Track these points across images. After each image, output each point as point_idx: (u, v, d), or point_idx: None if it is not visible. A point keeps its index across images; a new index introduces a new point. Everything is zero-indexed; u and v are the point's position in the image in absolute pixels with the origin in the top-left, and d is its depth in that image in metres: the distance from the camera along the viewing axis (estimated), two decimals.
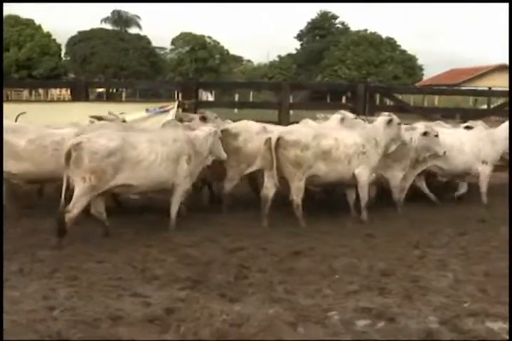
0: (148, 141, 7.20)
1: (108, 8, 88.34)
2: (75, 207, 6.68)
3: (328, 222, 8.01)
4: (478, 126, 9.87)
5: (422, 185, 9.39)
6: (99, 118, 8.92)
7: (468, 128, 9.85)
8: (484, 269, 6.10)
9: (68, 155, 6.78)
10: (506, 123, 9.63)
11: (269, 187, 7.77)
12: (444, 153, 8.77)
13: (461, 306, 5.07)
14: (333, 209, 8.61)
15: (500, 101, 15.20)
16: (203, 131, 7.82)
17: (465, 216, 8.59)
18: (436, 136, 8.75)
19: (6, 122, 7.89)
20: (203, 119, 8.90)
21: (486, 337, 4.46)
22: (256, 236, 7.24)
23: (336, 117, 9.32)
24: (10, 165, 7.64)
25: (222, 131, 8.08)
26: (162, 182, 7.32)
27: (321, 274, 5.86)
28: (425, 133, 8.69)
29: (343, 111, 9.88)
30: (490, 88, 42.75)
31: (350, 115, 9.56)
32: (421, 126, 8.90)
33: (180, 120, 9.12)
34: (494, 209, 8.98)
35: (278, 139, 7.63)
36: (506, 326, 4.66)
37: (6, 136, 7.59)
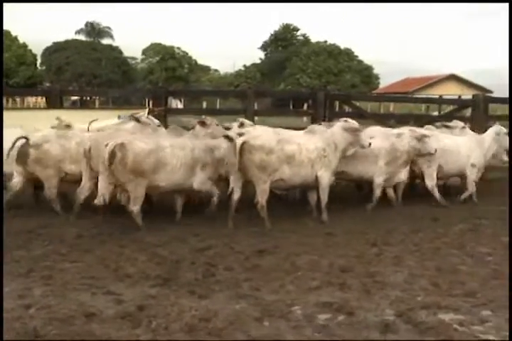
0: (171, 146, 7.65)
1: (82, 20, 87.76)
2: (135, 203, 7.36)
3: (291, 222, 8.02)
4: (461, 128, 10.27)
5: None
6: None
7: (447, 127, 10.11)
8: (436, 264, 6.17)
9: (112, 155, 7.20)
10: (491, 130, 9.90)
11: (236, 190, 7.77)
12: (435, 150, 8.97)
13: (415, 299, 5.12)
14: (295, 210, 8.64)
15: (450, 108, 15.41)
16: (224, 142, 8.15)
17: (419, 215, 8.68)
18: (426, 137, 8.99)
19: (48, 130, 8.58)
20: (203, 124, 8.84)
21: (438, 327, 4.51)
22: (223, 236, 7.23)
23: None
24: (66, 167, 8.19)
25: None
26: (181, 184, 7.76)
27: (284, 271, 5.87)
28: (417, 136, 8.93)
29: (346, 119, 10.10)
30: (441, 96, 43.28)
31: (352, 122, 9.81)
32: (407, 130, 9.15)
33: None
34: (446, 209, 9.10)
35: (243, 144, 7.63)
36: (457, 317, 4.73)
37: (58, 142, 8.11)
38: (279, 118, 17.82)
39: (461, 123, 10.51)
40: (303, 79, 60.59)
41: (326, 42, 64.30)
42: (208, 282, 5.52)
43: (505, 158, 9.91)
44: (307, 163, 7.95)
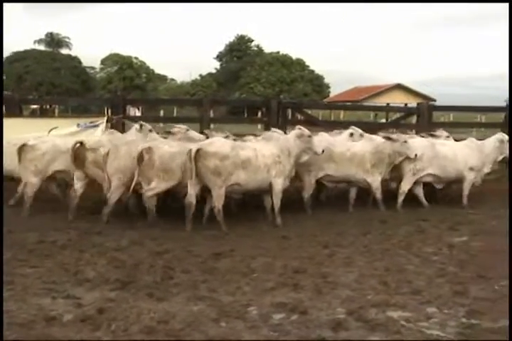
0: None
1: (41, 31, 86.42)
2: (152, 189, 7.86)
3: (247, 225, 8.03)
4: (446, 137, 10.43)
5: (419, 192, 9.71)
6: None
7: (433, 136, 10.24)
8: (385, 264, 6.26)
9: (140, 158, 7.74)
10: (494, 137, 10.00)
11: (192, 195, 7.74)
12: (416, 155, 9.15)
13: (366, 298, 5.18)
14: (251, 214, 8.65)
15: (397, 115, 15.73)
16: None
17: (369, 217, 8.78)
18: (405, 142, 9.16)
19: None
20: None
21: (386, 324, 4.57)
22: (181, 240, 7.20)
23: (347, 132, 10.03)
24: None
25: None
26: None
27: (240, 273, 5.87)
28: (391, 139, 9.12)
29: (353, 127, 10.30)
30: (388, 104, 43.94)
31: (358, 130, 10.04)
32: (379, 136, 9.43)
33: None
34: (394, 211, 9.23)
35: (198, 150, 7.62)
36: (404, 314, 4.80)
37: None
38: (235, 126, 17.91)
39: (445, 133, 10.66)
40: (257, 88, 60.84)
41: (278, 52, 64.75)
42: (166, 285, 5.48)
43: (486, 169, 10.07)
44: (263, 168, 7.97)
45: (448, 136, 10.58)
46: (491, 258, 6.59)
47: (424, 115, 12.47)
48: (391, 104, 40.49)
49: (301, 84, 61.72)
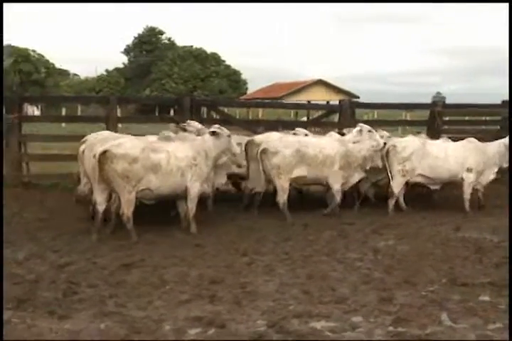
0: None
1: None
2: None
3: (158, 233, 7.96)
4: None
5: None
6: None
7: (341, 134, 10.27)
8: (307, 272, 6.34)
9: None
10: (502, 141, 10.08)
11: (100, 202, 7.61)
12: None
13: (287, 308, 5.22)
14: (162, 220, 8.59)
15: (318, 113, 16.01)
16: None
17: (289, 222, 8.88)
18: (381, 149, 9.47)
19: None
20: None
21: (310, 335, 4.62)
22: (85, 251, 7.06)
23: (355, 130, 9.99)
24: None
25: None
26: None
27: (152, 285, 5.80)
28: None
29: (361, 124, 10.29)
30: (309, 101, 44.56)
31: (366, 127, 10.00)
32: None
33: None
34: (317, 215, 9.36)
35: (105, 152, 7.48)
36: (328, 324, 4.87)
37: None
38: (145, 126, 17.71)
39: (386, 133, 10.74)
40: (169, 84, 60.45)
41: (192, 46, 64.58)
42: (70, 301, 5.35)
43: None
44: (176, 172, 7.90)
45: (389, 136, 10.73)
46: (417, 262, 6.79)
47: (347, 112, 12.72)
48: (312, 102, 41.12)
49: (216, 80, 61.77)
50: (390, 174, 9.74)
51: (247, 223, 8.80)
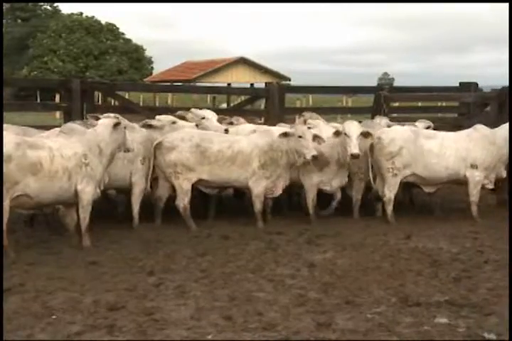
0: None
1: None
2: None
3: (42, 250, 7.88)
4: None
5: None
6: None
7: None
8: (229, 293, 6.40)
9: None
10: (506, 126, 10.05)
11: None
12: (313, 156, 9.14)
13: (205, 338, 5.27)
14: (47, 234, 8.50)
15: (241, 98, 16.06)
16: None
17: (205, 233, 8.96)
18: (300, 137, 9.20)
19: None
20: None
21: None
22: None
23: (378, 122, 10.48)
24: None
25: None
26: None
27: (33, 315, 5.74)
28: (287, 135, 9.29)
29: (382, 117, 10.69)
30: (229, 84, 44.71)
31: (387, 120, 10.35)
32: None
33: None
34: (236, 224, 9.48)
35: None
36: None
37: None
38: (24, 114, 17.38)
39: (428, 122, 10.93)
40: (53, 62, 59.38)
41: (81, 14, 63.69)
42: None
43: None
44: (62, 174, 7.79)
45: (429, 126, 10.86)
46: (361, 279, 6.95)
47: (275, 98, 12.83)
48: (233, 85, 41.30)
49: (113, 58, 61.13)
50: (371, 173, 9.89)
51: (152, 235, 8.81)
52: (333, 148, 9.64)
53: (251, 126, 10.49)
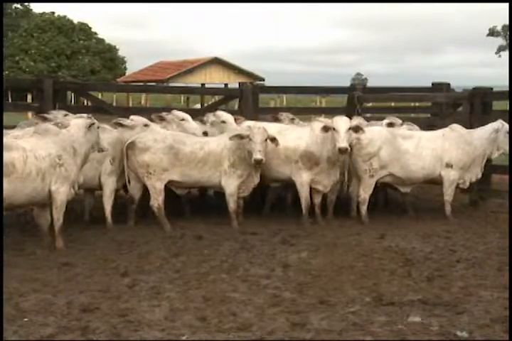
0: None
1: None
2: None
3: (13, 251, 7.82)
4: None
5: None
6: None
7: (390, 125, 10.50)
8: (203, 294, 6.39)
9: None
10: (489, 126, 10.13)
11: None
12: (255, 161, 9.09)
13: (179, 339, 5.26)
14: (18, 235, 8.45)
15: (215, 99, 16.08)
16: None
17: (179, 233, 8.95)
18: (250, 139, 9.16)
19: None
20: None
21: None
22: None
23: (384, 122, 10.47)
24: None
25: None
26: None
27: (5, 318, 5.67)
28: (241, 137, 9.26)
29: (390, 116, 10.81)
30: (203, 84, 44.67)
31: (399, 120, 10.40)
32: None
33: None
34: (211, 224, 9.49)
35: None
36: None
37: None
38: None
39: (399, 120, 11.03)
40: (24, 62, 59.08)
41: (53, 14, 63.35)
42: None
43: None
44: (36, 175, 7.73)
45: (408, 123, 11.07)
46: (335, 278, 6.98)
47: (249, 98, 12.82)
48: (207, 85, 41.25)
49: (86, 58, 60.89)
50: (347, 173, 9.93)
51: (125, 236, 8.78)
52: (323, 144, 9.58)
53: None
